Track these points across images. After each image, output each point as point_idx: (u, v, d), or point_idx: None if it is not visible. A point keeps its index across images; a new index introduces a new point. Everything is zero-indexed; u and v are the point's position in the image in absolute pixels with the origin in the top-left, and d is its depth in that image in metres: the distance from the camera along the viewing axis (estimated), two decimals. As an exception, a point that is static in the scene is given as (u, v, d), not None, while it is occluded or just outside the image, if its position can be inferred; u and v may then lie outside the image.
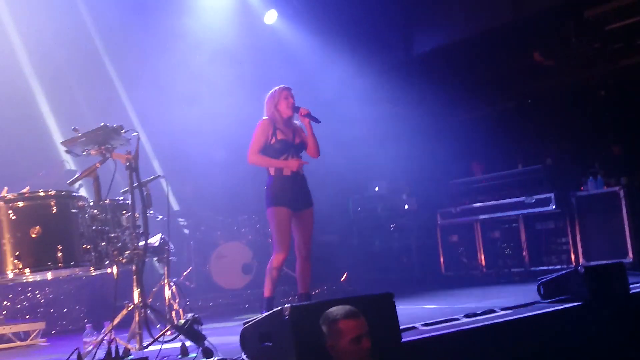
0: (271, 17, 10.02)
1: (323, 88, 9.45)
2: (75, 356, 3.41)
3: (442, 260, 8.79)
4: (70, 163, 7.69)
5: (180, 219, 8.96)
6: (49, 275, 4.52)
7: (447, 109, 10.40)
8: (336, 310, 3.25)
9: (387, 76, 10.33)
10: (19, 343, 5.53)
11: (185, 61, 8.85)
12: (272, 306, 4.77)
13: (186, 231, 8.83)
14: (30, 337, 5.62)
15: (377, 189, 10.45)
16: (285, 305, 3.46)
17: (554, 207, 7.76)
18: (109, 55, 8.80)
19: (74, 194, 4.47)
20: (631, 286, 5.44)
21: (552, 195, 7.78)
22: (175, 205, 9.24)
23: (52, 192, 4.39)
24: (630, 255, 7.17)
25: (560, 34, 9.58)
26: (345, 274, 9.33)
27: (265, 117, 5.33)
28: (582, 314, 4.83)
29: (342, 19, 10.14)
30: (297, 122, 5.44)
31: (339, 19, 10.07)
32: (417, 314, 5.11)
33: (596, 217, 7.55)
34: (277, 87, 5.37)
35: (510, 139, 9.97)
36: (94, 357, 3.71)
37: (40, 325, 5.71)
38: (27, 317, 6.15)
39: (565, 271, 5.24)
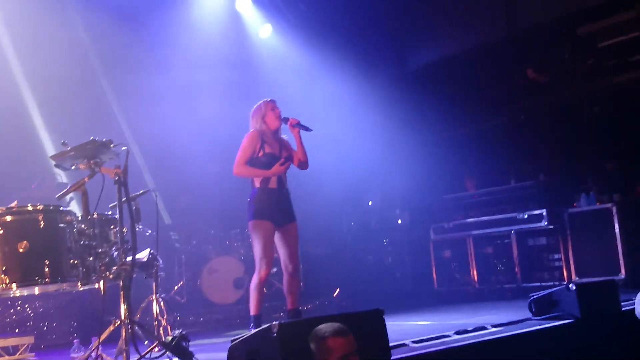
0: (266, 31, 10.06)
1: (317, 103, 9.47)
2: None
3: (434, 275, 8.78)
4: (61, 176, 7.67)
5: (171, 233, 8.92)
6: (36, 290, 4.47)
7: (441, 124, 10.43)
8: (324, 327, 3.24)
9: (381, 91, 10.37)
10: (7, 357, 5.46)
11: (179, 74, 8.87)
12: (260, 324, 4.71)
13: (177, 245, 8.79)
14: (19, 352, 5.55)
15: (370, 203, 10.46)
16: (274, 323, 3.44)
17: (546, 223, 7.77)
18: (102, 69, 8.81)
19: (61, 208, 4.42)
20: (623, 304, 5.43)
21: (544, 211, 7.78)
22: (167, 219, 9.21)
23: (40, 207, 4.35)
24: (623, 272, 7.17)
25: (554, 50, 9.63)
26: (337, 290, 9.31)
27: (252, 130, 5.28)
28: (573, 332, 4.82)
29: (337, 34, 10.20)
30: (284, 136, 5.39)
31: (334, 35, 10.12)
32: (408, 331, 5.09)
33: (588, 234, 7.55)
34: (261, 101, 5.33)
35: (503, 155, 9.99)
36: (79, 374, 3.67)
37: (29, 340, 5.65)
38: (16, 331, 6.11)
39: (556, 288, 5.22)
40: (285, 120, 5.24)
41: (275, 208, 5.11)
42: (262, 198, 5.11)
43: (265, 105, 5.28)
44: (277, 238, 5.16)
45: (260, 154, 5.16)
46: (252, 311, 5.05)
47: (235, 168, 5.17)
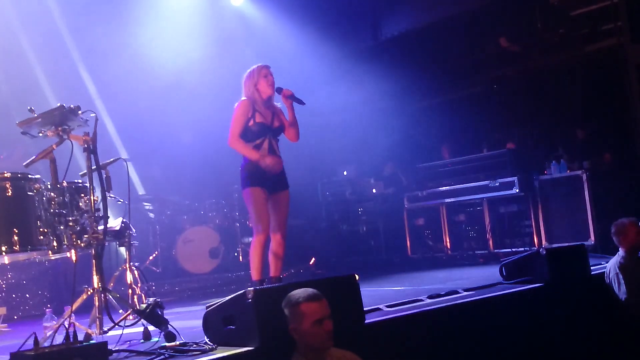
0: (238, -2, 9.92)
1: (290, 72, 9.36)
2: (31, 341, 3.32)
3: (408, 242, 8.85)
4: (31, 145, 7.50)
5: (145, 203, 8.85)
6: (6, 260, 4.41)
7: (414, 93, 10.44)
8: (298, 293, 3.24)
9: (355, 61, 10.32)
10: (-21, 329, 5.41)
11: (152, 42, 8.70)
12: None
13: (152, 215, 8.73)
14: (-9, 323, 5.51)
15: (345, 173, 10.48)
16: (249, 289, 3.45)
17: (517, 190, 7.84)
18: (71, 34, 8.59)
19: (30, 176, 4.34)
20: (592, 268, 5.56)
21: (515, 179, 7.86)
22: (140, 190, 9.12)
23: (7, 174, 4.25)
24: (592, 237, 7.29)
25: (526, 19, 9.66)
26: (313, 259, 9.35)
27: (244, 98, 5.11)
28: (543, 295, 4.92)
29: (310, 3, 10.07)
30: (277, 103, 5.22)
31: (307, 3, 9.99)
32: (382, 296, 5.14)
33: (559, 201, 7.65)
34: (255, 66, 5.14)
35: (476, 123, 10.06)
36: (52, 342, 3.64)
37: (1, 311, 5.60)
38: (-12, 302, 6.04)
39: (527, 253, 5.31)
40: (279, 90, 5.08)
41: (266, 175, 4.99)
42: (253, 165, 4.99)
43: (259, 72, 5.09)
44: (269, 205, 5.06)
45: (251, 123, 5.00)
46: (254, 276, 4.96)
47: (231, 140, 5.01)
